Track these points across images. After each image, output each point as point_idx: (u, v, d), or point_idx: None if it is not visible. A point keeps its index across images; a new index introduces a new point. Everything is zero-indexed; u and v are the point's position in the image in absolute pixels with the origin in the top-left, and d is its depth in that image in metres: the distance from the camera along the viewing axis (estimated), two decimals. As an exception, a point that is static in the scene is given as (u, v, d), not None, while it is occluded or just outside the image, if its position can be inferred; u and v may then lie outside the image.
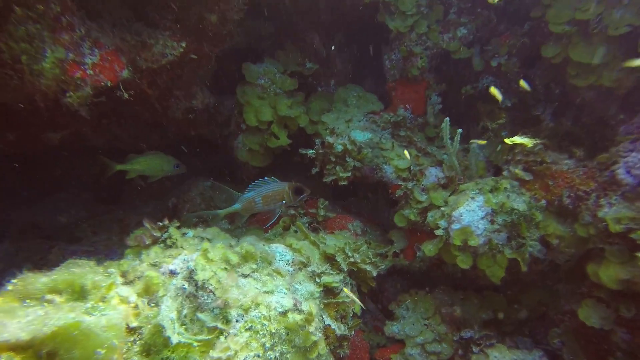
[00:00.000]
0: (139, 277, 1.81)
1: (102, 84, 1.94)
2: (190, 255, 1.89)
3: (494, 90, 2.26)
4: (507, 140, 2.80)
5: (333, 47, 3.43)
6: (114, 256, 3.15)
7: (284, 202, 2.59)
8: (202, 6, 2.31)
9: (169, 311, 1.58)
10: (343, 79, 3.48)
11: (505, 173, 2.18)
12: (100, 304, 1.50)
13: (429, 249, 2.11)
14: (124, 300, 1.59)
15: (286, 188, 2.58)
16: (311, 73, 3.25)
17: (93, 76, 1.89)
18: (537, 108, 2.63)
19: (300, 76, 3.23)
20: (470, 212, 1.97)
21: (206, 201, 3.17)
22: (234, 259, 1.82)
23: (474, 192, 2.02)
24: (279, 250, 2.11)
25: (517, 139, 2.75)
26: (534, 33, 2.52)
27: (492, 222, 1.96)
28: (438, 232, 2.03)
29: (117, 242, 3.34)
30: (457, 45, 2.85)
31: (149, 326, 1.55)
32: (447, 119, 2.20)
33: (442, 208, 2.09)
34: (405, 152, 2.41)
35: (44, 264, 2.85)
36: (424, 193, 2.37)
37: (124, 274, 1.84)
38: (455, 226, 1.98)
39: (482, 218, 1.96)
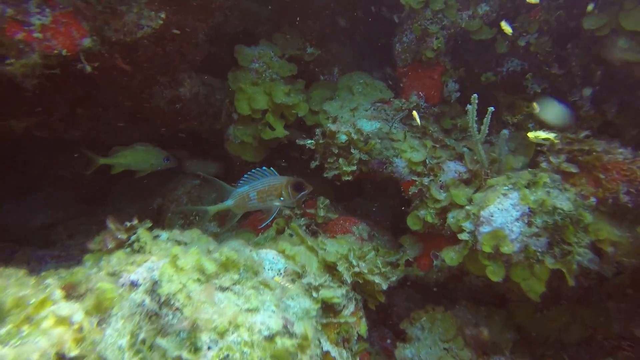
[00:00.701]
0: (91, 290, 1.45)
1: (55, 51, 1.59)
2: (157, 263, 1.52)
3: (504, 25, 1.91)
4: (530, 135, 2.44)
5: (337, 30, 3.09)
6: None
7: (281, 199, 2.22)
8: (184, -31, 1.98)
9: (118, 336, 1.22)
10: (348, 67, 3.13)
11: (544, 165, 1.81)
12: (25, 327, 1.14)
13: (450, 257, 1.74)
14: (63, 320, 1.22)
15: (284, 183, 2.21)
16: (313, 59, 2.90)
17: (42, 41, 1.55)
18: (573, 93, 2.26)
19: (301, 62, 2.89)
20: (503, 212, 1.59)
21: (193, 201, 2.82)
22: (211, 267, 1.45)
23: (506, 188, 1.65)
24: (269, 258, 1.74)
25: (542, 134, 2.39)
26: (572, 4, 2.16)
27: (529, 224, 1.59)
28: (462, 236, 1.67)
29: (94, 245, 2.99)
30: (478, 24, 2.49)
31: (93, 356, 1.19)
32: (475, 96, 1.83)
33: (467, 207, 1.72)
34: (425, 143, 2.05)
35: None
36: (442, 190, 2.00)
37: (72, 287, 1.48)
38: (484, 229, 1.60)
39: (518, 219, 1.59)
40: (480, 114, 2.53)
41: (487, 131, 1.82)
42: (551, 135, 2.36)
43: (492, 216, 1.59)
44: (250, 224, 2.57)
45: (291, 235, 2.08)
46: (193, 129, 3.31)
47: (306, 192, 2.27)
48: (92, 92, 2.59)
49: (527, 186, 1.63)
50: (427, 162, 2.10)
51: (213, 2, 2.27)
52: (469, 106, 1.85)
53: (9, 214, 3.28)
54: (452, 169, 2.10)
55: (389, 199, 2.88)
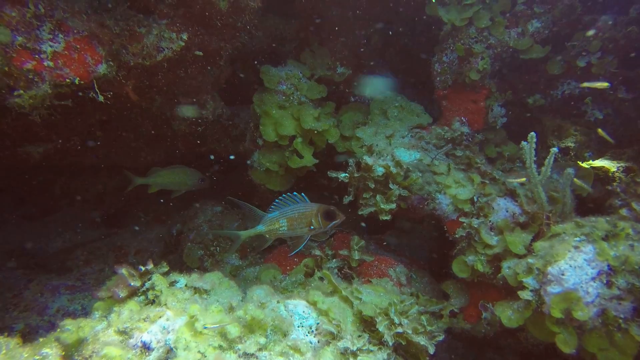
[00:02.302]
0: (97, 354, 1.27)
1: (67, 80, 1.44)
2: (173, 321, 1.34)
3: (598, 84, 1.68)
4: (584, 165, 2.18)
5: (370, 49, 2.90)
6: (103, 294, 2.65)
7: (312, 227, 2.06)
8: (209, -13, 1.82)
9: None
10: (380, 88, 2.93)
11: (624, 211, 1.55)
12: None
13: (507, 316, 1.49)
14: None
15: (315, 211, 2.04)
16: (343, 79, 2.71)
17: (53, 69, 1.40)
18: (642, 122, 2.00)
19: (330, 83, 2.70)
20: (576, 270, 1.35)
21: (215, 236, 2.64)
22: (234, 331, 1.25)
23: (577, 240, 1.41)
24: (299, 311, 1.53)
25: (600, 163, 2.13)
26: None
27: (609, 284, 1.34)
28: (524, 295, 1.42)
29: (110, 275, 2.85)
30: (528, 43, 2.26)
31: None
32: (533, 134, 1.60)
33: (530, 260, 1.48)
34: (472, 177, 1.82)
35: (16, 303, 2.37)
36: (493, 233, 1.76)
37: (77, 349, 1.31)
38: (553, 289, 1.36)
39: (594, 278, 1.34)
40: (521, 139, 2.31)
41: (548, 173, 1.58)
42: (606, 163, 2.10)
43: (563, 274, 1.34)
44: (275, 259, 2.37)
45: (322, 279, 1.87)
46: (214, 151, 3.16)
47: (338, 222, 2.09)
48: (112, 115, 2.46)
49: (606, 238, 1.38)
50: (475, 199, 1.87)
51: (238, 21, 2.11)
52: (524, 144, 1.62)
53: (28, 236, 3.19)
54: (503, 208, 1.85)
55: (424, 233, 2.65)
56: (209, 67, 2.23)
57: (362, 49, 2.88)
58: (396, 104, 2.52)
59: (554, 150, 1.56)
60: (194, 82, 2.34)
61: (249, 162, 2.49)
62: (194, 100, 2.56)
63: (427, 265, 2.39)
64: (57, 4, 1.44)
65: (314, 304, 1.57)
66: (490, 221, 1.79)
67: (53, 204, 3.51)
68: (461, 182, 1.95)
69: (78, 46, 1.47)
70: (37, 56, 1.36)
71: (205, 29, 1.99)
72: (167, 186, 2.78)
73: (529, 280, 1.42)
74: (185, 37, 1.88)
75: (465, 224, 1.80)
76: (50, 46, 1.40)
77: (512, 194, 1.92)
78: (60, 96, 1.49)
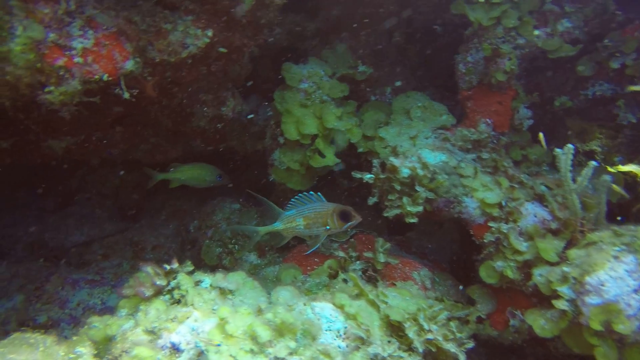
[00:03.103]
0: (127, 353, 1.26)
1: (96, 76, 1.43)
2: (202, 322, 1.32)
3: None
4: (613, 169, 2.14)
5: (390, 47, 2.85)
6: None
7: (327, 227, 2.05)
8: (236, -16, 1.80)
9: None
10: (402, 87, 2.89)
11: (664, 220, 1.51)
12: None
13: (539, 325, 1.46)
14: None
15: (330, 211, 2.04)
16: (365, 78, 2.68)
17: (83, 66, 1.39)
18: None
19: (351, 81, 2.66)
20: (617, 281, 1.31)
21: (233, 231, 2.63)
22: (265, 334, 1.23)
23: (617, 249, 1.37)
24: (326, 315, 1.51)
25: (626, 168, 2.08)
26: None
27: (649, 295, 1.30)
28: (560, 304, 1.39)
29: (128, 270, 2.86)
30: (557, 43, 2.20)
31: None
32: (571, 146, 1.56)
33: (565, 268, 1.44)
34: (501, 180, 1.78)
35: (39, 295, 2.38)
36: (522, 239, 1.72)
37: (105, 347, 1.30)
38: (592, 300, 1.32)
39: (637, 290, 1.30)
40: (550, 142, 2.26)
41: (585, 183, 1.54)
42: (634, 168, 2.05)
43: (602, 285, 1.31)
44: (295, 258, 2.35)
45: (345, 281, 1.84)
46: (233, 148, 3.15)
47: (354, 223, 2.08)
48: (133, 111, 2.45)
49: (645, 248, 1.35)
50: (504, 204, 1.83)
51: (262, 17, 2.08)
52: (559, 152, 1.58)
53: (47, 228, 3.20)
54: (532, 213, 1.81)
55: (446, 235, 2.61)
56: (231, 64, 2.21)
57: (383, 47, 2.84)
58: (419, 103, 2.48)
59: (593, 163, 1.52)
60: (215, 78, 2.32)
61: (269, 160, 2.47)
62: (214, 97, 2.54)
63: (449, 269, 2.36)
64: (87, 1, 1.42)
65: (340, 307, 1.55)
66: (519, 226, 1.75)
67: (70, 197, 3.53)
68: (488, 186, 1.91)
69: (107, 42, 1.46)
70: (67, 52, 1.34)
71: (230, 25, 1.96)
72: (186, 182, 2.82)
73: (564, 290, 1.38)
74: (210, 33, 1.85)
75: (493, 229, 1.77)
76: (81, 42, 1.38)
77: (540, 198, 1.88)
78: (88, 92, 1.48)
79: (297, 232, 2.15)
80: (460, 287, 2.01)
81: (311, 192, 2.10)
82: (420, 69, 3.08)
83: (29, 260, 2.65)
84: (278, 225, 2.16)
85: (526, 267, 1.64)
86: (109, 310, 2.36)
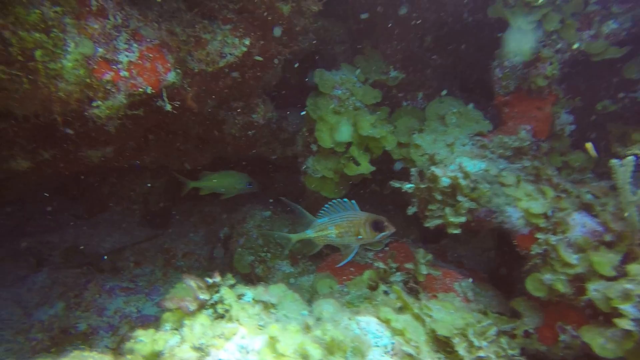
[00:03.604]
0: (175, 369, 1.25)
1: (140, 89, 1.42)
2: (249, 339, 1.30)
3: None
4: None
5: (422, 51, 2.80)
6: (155, 296, 2.67)
7: (359, 237, 2.02)
8: (274, -8, 1.78)
9: None
10: (433, 92, 2.84)
11: None
12: None
13: (599, 344, 1.39)
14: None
15: (363, 220, 2.00)
16: (396, 83, 2.63)
17: (128, 79, 1.39)
18: None
19: (383, 86, 2.63)
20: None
21: (264, 235, 2.62)
22: (316, 353, 1.21)
23: (683, 264, 1.30)
24: (372, 330, 1.48)
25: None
26: None
27: None
28: (623, 323, 1.32)
29: (160, 277, 2.87)
30: (602, 46, 2.12)
31: None
32: (632, 158, 1.49)
33: (627, 285, 1.38)
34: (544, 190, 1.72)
35: (78, 303, 2.41)
36: (571, 251, 1.66)
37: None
38: (659, 319, 1.26)
39: None
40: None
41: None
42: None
43: (670, 304, 1.24)
44: (329, 267, 2.32)
45: (386, 293, 1.81)
46: (262, 154, 3.14)
47: (387, 234, 2.04)
48: (166, 120, 2.46)
49: None
50: (550, 213, 1.76)
51: (297, 25, 2.06)
52: (615, 162, 1.51)
53: (80, 235, 3.25)
54: (579, 223, 1.74)
55: (481, 243, 2.55)
56: (265, 72, 2.19)
57: (414, 52, 2.79)
58: (454, 109, 2.43)
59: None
60: (248, 86, 2.31)
61: (303, 167, 2.44)
62: (246, 104, 2.53)
63: (487, 278, 2.30)
64: (132, 14, 1.42)
65: (386, 321, 1.52)
66: (567, 238, 1.69)
67: (101, 203, 3.58)
68: (532, 195, 1.85)
69: (151, 55, 1.46)
70: (114, 67, 1.34)
71: (266, 33, 1.95)
72: (216, 190, 2.84)
73: (627, 308, 1.32)
74: (247, 42, 1.85)
75: (541, 240, 1.71)
76: (126, 56, 1.38)
77: (587, 207, 1.81)
78: (132, 105, 1.48)
79: (329, 241, 2.13)
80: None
81: (345, 200, 2.06)
82: (450, 73, 3.02)
83: (66, 266, 2.68)
84: (310, 233, 2.14)
85: (578, 281, 1.58)
86: (145, 318, 2.37)
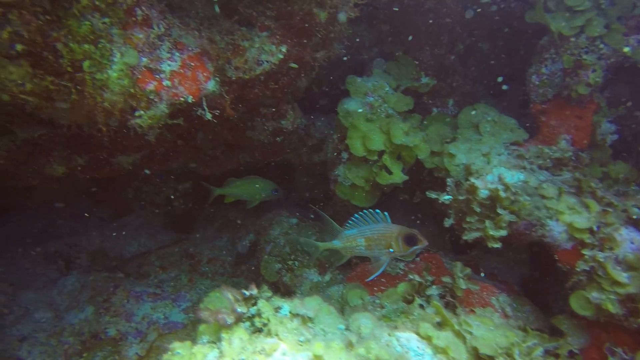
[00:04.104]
0: (216, 385, 1.23)
1: (182, 99, 1.41)
2: (291, 356, 1.27)
3: None
4: None
5: (453, 57, 2.75)
6: (182, 302, 2.67)
7: (391, 250, 1.97)
8: (312, -1, 1.75)
9: None
10: (464, 98, 2.78)
11: None
12: None
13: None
14: None
15: (395, 233, 1.95)
16: (427, 90, 2.59)
17: (170, 89, 1.38)
18: None
19: (414, 93, 2.58)
20: None
21: (291, 244, 2.59)
22: (360, 373, 1.17)
23: None
24: (413, 347, 1.44)
25: None
26: None
27: None
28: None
29: (186, 283, 2.87)
30: (648, 53, 2.05)
31: None
32: None
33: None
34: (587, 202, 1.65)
35: (107, 308, 2.42)
36: (620, 269, 1.59)
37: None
38: None
39: None
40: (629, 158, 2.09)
41: None
42: None
43: None
44: (359, 278, 2.29)
45: (422, 307, 1.76)
46: (289, 161, 3.12)
47: (420, 248, 1.99)
48: (195, 126, 2.45)
49: None
50: (596, 229, 1.70)
51: (332, 31, 2.03)
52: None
53: (107, 238, 3.27)
54: (627, 239, 1.67)
55: (515, 254, 2.48)
56: (298, 79, 2.17)
57: (445, 57, 2.74)
58: (488, 117, 2.37)
59: None
60: (280, 93, 2.29)
61: (332, 175, 2.41)
62: (275, 110, 2.51)
63: (521, 291, 2.23)
64: (173, 22, 1.41)
65: (427, 338, 1.47)
66: (616, 254, 1.62)
67: (126, 207, 3.60)
68: (576, 208, 1.79)
69: (192, 63, 1.44)
70: (157, 76, 1.33)
71: (302, 40, 1.93)
72: (242, 196, 2.82)
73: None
74: (284, 49, 1.82)
75: (587, 257, 1.64)
76: (169, 65, 1.37)
77: (635, 223, 1.74)
78: (173, 115, 1.47)
79: (357, 252, 2.08)
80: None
81: (377, 211, 2.01)
82: (481, 80, 2.96)
83: (94, 270, 2.70)
84: (337, 244, 2.09)
85: (629, 302, 1.51)
86: (173, 325, 2.36)
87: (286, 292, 2.46)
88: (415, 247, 1.98)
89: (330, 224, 2.12)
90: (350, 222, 2.08)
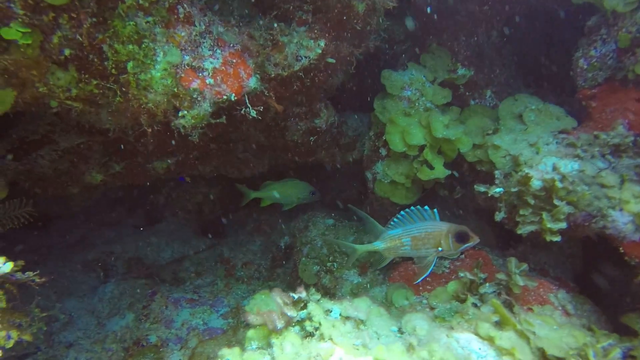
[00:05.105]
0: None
1: (224, 97, 1.37)
2: (350, 361, 1.21)
3: None
4: None
5: (490, 46, 2.65)
6: (220, 308, 2.64)
7: (440, 249, 1.87)
8: (350, -10, 1.69)
9: None
10: (502, 89, 2.67)
11: None
12: None
13: None
14: None
15: (445, 231, 1.85)
16: (465, 81, 2.49)
17: (213, 86, 1.34)
18: None
19: (451, 85, 2.49)
20: None
21: (328, 245, 2.53)
22: (427, 378, 1.10)
23: None
24: (473, 349, 1.35)
25: None
26: None
27: None
28: None
29: (223, 288, 2.84)
30: None
31: None
32: None
33: None
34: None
35: (146, 314, 2.41)
36: (696, 260, 1.47)
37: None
38: None
39: None
40: None
41: None
42: None
43: None
44: (402, 277, 2.21)
45: (476, 306, 1.67)
46: (321, 161, 3.06)
47: (471, 245, 1.89)
48: (229, 128, 2.42)
49: None
50: (665, 218, 1.58)
51: (369, 24, 1.97)
52: None
53: (141, 245, 3.28)
54: (701, 228, 1.55)
55: (566, 248, 2.35)
56: (334, 75, 2.11)
57: (481, 47, 2.64)
58: (532, 106, 2.26)
59: None
60: (314, 90, 2.24)
61: (370, 173, 2.34)
62: (308, 109, 2.46)
63: (576, 287, 2.11)
64: (214, 19, 1.38)
65: (489, 339, 1.38)
66: (690, 245, 1.49)
67: (158, 213, 3.61)
68: (641, 197, 1.66)
69: (234, 60, 1.40)
70: (200, 74, 1.30)
71: (340, 34, 1.87)
72: (279, 200, 2.76)
73: None
74: (322, 44, 1.77)
75: (659, 249, 1.52)
76: (211, 63, 1.33)
77: None
78: (215, 114, 1.43)
79: (402, 253, 1.98)
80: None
81: (426, 208, 1.92)
82: (519, 69, 2.84)
83: (131, 277, 2.70)
84: (379, 245, 1.99)
85: None
86: (213, 331, 2.33)
87: (326, 294, 2.40)
88: (467, 245, 1.88)
89: (372, 224, 2.03)
90: (394, 220, 1.98)
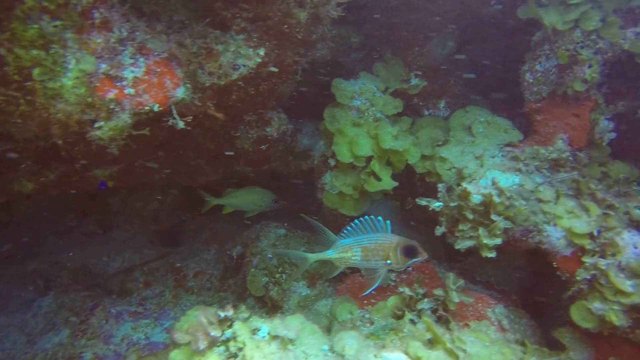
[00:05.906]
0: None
1: (147, 108, 1.30)
2: (267, 386, 1.16)
3: None
4: None
5: (444, 57, 2.66)
6: (165, 321, 2.55)
7: (388, 262, 1.82)
8: (290, -2, 1.65)
9: None
10: (456, 100, 2.69)
11: None
12: None
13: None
14: None
15: (394, 244, 1.80)
16: (418, 91, 2.49)
17: (133, 97, 1.27)
18: None
19: (403, 96, 2.48)
20: None
21: (278, 256, 2.48)
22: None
23: None
24: (403, 370, 1.32)
25: None
26: None
27: None
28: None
29: (170, 299, 2.74)
30: (646, 47, 1.95)
31: None
32: None
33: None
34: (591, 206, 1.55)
35: (84, 330, 2.30)
36: (623, 276, 1.48)
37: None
38: None
39: None
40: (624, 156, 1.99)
41: None
42: None
43: None
44: (349, 290, 2.18)
45: (414, 322, 1.65)
46: (276, 169, 3.01)
47: (418, 260, 1.85)
48: (175, 136, 2.35)
49: None
50: (596, 233, 1.60)
51: (314, 33, 1.93)
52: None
53: (89, 254, 3.15)
54: (630, 243, 1.57)
55: (512, 260, 2.37)
56: (280, 83, 2.07)
57: (436, 58, 2.65)
58: (481, 118, 2.27)
59: None
60: (262, 99, 2.19)
61: (320, 183, 2.31)
62: (259, 117, 2.41)
63: (519, 301, 2.12)
64: (138, 25, 1.31)
65: (417, 359, 1.36)
66: (619, 261, 1.51)
67: (111, 221, 3.49)
68: (575, 212, 1.68)
69: (158, 69, 1.34)
70: (119, 84, 1.23)
71: (281, 42, 1.83)
72: (241, 207, 2.72)
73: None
74: (262, 52, 1.72)
75: (588, 264, 1.54)
76: (132, 72, 1.27)
77: (638, 226, 1.64)
78: (138, 125, 1.36)
79: (352, 264, 1.94)
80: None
81: (379, 218, 1.85)
82: (473, 80, 2.87)
83: (73, 289, 2.58)
84: (330, 254, 1.94)
85: (635, 312, 1.40)
86: (154, 346, 2.24)
87: (273, 306, 2.35)
88: (414, 260, 1.84)
89: (325, 232, 1.98)
90: (346, 230, 1.93)
